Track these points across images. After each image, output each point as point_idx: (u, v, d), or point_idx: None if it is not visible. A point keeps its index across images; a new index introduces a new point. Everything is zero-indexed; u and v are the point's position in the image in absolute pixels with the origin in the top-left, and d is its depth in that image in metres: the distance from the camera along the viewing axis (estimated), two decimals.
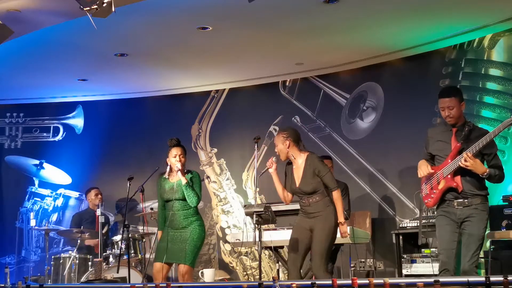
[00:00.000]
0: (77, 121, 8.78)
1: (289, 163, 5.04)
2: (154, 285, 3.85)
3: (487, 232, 5.46)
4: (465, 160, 4.06)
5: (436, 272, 4.47)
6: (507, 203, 5.56)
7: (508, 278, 3.11)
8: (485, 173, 4.11)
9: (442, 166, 4.27)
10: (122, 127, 8.56)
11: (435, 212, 4.54)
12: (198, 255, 5.49)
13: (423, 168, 4.31)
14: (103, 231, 7.04)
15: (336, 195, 4.83)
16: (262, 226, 5.44)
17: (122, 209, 7.92)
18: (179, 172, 5.33)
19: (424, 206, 4.61)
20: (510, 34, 6.19)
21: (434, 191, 4.30)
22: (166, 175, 5.47)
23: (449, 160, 4.22)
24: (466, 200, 4.19)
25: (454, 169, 4.17)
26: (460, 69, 6.57)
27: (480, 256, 5.88)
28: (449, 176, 4.21)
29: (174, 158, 5.40)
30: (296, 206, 5.71)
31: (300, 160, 4.93)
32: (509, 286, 3.08)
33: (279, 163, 5.03)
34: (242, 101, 8.15)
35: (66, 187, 8.61)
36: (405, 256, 6.04)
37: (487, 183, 4.29)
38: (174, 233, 5.38)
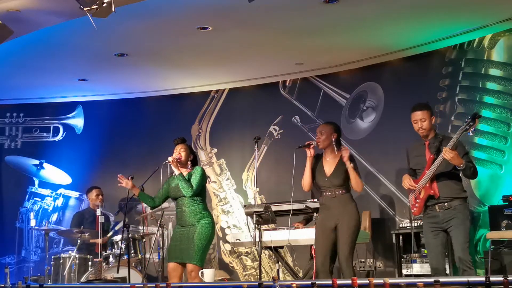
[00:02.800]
0: (77, 121, 8.77)
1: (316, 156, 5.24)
2: (154, 285, 3.85)
3: (487, 232, 5.51)
4: (446, 153, 4.41)
5: None
6: (507, 203, 5.57)
7: (508, 278, 3.11)
8: (462, 164, 4.45)
9: (421, 178, 4.65)
10: (122, 127, 8.55)
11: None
12: (207, 253, 5.46)
13: (406, 181, 4.74)
14: (107, 235, 7.05)
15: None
16: (262, 226, 5.45)
17: (122, 209, 7.91)
18: (172, 165, 5.40)
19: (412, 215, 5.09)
20: (510, 34, 6.19)
21: (417, 200, 4.71)
22: (174, 174, 5.55)
23: (426, 171, 4.61)
24: (446, 204, 4.58)
25: (430, 176, 4.57)
26: (460, 69, 6.56)
27: (480, 256, 5.92)
28: (427, 185, 4.61)
29: (175, 153, 5.50)
30: (297, 206, 5.70)
31: (333, 155, 5.15)
32: (509, 286, 3.07)
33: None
34: (242, 101, 8.14)
35: (66, 187, 8.61)
36: (405, 256, 6.05)
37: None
38: (183, 231, 5.38)
